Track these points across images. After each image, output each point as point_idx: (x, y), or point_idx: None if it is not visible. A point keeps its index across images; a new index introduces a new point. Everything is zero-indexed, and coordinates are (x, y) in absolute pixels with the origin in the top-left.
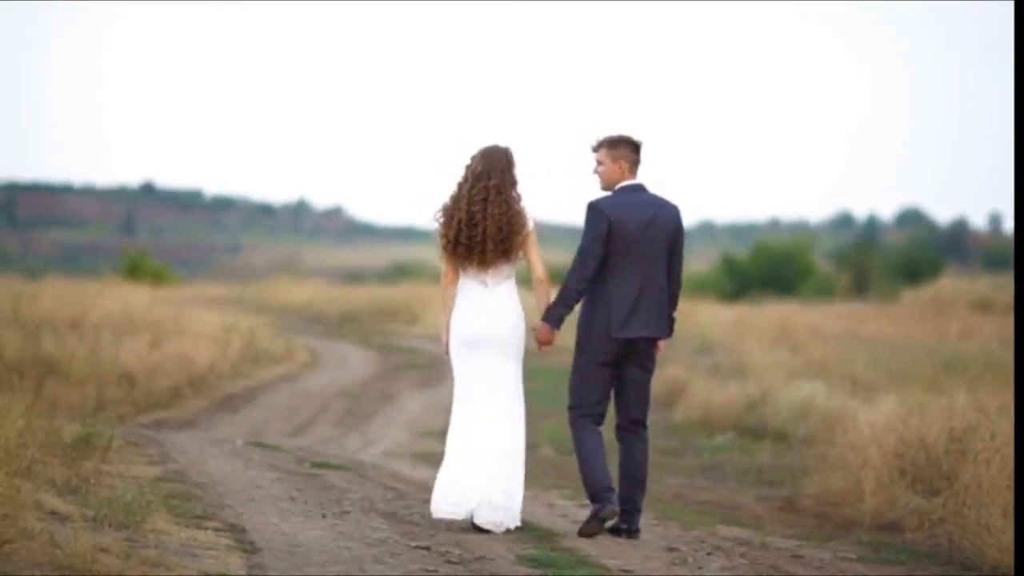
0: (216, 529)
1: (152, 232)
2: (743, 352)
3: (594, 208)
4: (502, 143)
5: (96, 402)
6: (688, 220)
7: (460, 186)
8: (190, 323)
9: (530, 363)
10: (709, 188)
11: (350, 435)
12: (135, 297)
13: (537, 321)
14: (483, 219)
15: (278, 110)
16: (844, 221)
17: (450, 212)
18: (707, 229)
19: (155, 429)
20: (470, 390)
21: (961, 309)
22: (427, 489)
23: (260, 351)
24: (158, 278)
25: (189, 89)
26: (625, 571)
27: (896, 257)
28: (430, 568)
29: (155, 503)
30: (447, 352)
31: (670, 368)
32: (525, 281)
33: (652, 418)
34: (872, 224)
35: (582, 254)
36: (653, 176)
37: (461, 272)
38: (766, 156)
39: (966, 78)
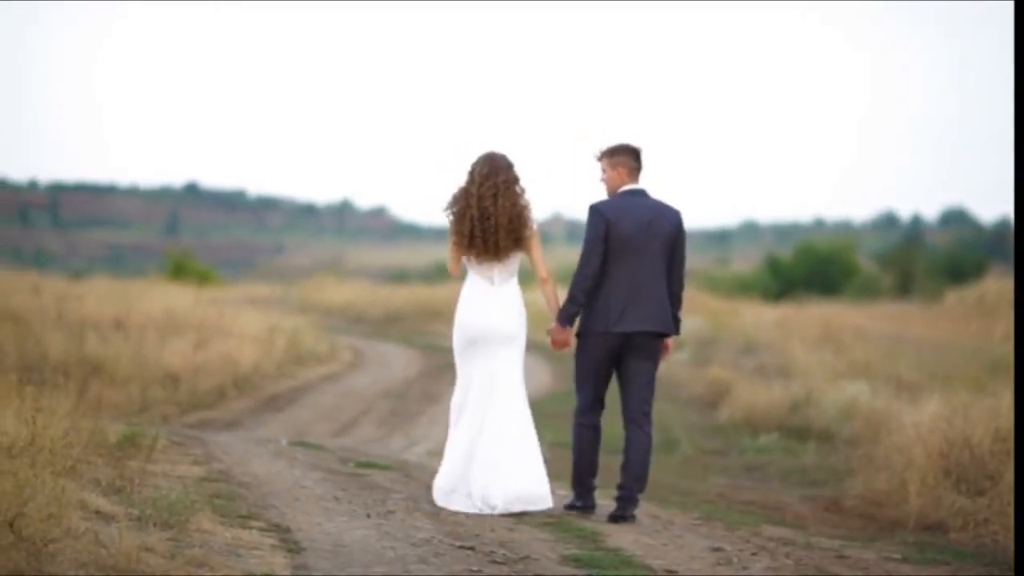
0: (261, 529)
1: (196, 232)
2: (787, 352)
3: (594, 210)
4: (499, 150)
5: (141, 402)
6: (732, 220)
7: (467, 188)
8: (234, 323)
9: (574, 365)
10: (753, 188)
11: (394, 435)
12: (179, 297)
13: (549, 321)
14: (495, 211)
15: (322, 111)
16: (888, 221)
17: (461, 211)
18: (751, 229)
19: (199, 429)
20: (474, 383)
21: (1006, 309)
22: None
23: (304, 351)
24: (202, 278)
25: (234, 89)
26: (669, 571)
27: (940, 257)
28: (474, 568)
29: (200, 503)
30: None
31: (714, 369)
32: (525, 279)
33: (695, 418)
34: (916, 224)
35: (584, 253)
36: (697, 176)
37: (469, 268)
38: (810, 156)
39: (1011, 76)
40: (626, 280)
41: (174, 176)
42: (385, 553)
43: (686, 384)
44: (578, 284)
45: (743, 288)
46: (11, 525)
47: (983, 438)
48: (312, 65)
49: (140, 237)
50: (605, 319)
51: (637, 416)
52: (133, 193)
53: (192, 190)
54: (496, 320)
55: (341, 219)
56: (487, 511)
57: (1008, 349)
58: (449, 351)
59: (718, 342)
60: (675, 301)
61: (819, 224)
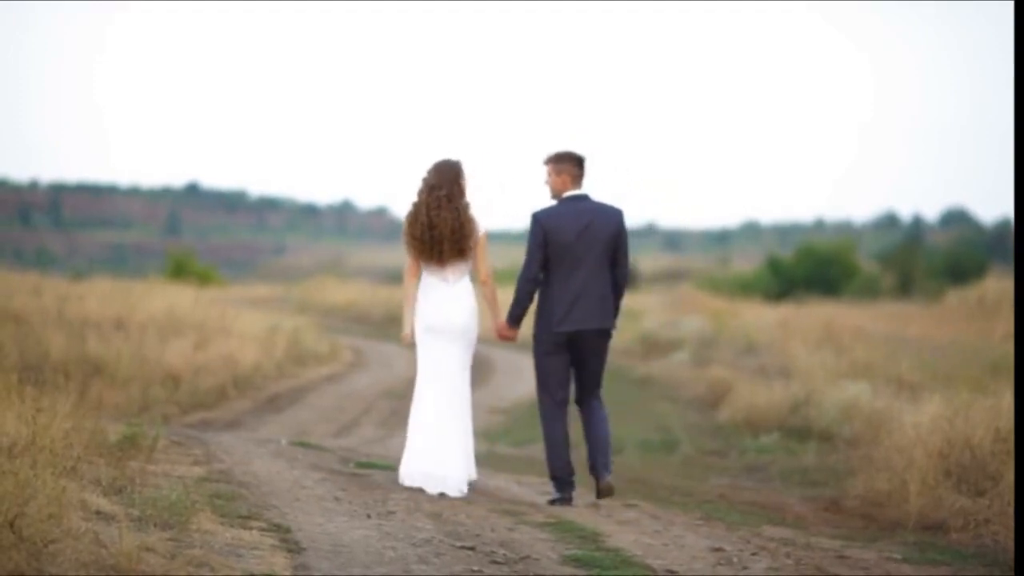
0: (261, 529)
1: (197, 233)
2: (788, 353)
3: (533, 218)
4: (453, 157)
5: (141, 402)
6: (733, 220)
7: (420, 194)
8: (235, 323)
9: None
10: (754, 189)
11: (395, 436)
12: (180, 297)
13: (489, 318)
14: (439, 223)
15: (323, 111)
16: (889, 221)
17: (414, 216)
18: (752, 230)
19: (200, 429)
20: (432, 372)
21: (1007, 309)
22: (472, 489)
23: (305, 351)
24: (203, 278)
25: (234, 90)
26: (670, 571)
27: (941, 257)
28: (475, 568)
29: (200, 503)
30: (411, 339)
31: (715, 369)
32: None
33: (696, 418)
34: (917, 224)
35: (526, 260)
36: (699, 176)
37: (424, 269)
38: (811, 156)
39: (1011, 76)
40: (568, 282)
41: (175, 176)
42: (386, 553)
43: (687, 384)
44: (521, 288)
45: (744, 288)
46: (12, 525)
47: (984, 438)
48: (312, 65)
49: (141, 237)
50: (551, 320)
51: (589, 400)
52: (134, 193)
53: (193, 190)
54: (451, 316)
55: (342, 219)
56: (441, 491)
57: (1009, 349)
58: None
59: (719, 342)
60: (618, 291)
61: (820, 224)
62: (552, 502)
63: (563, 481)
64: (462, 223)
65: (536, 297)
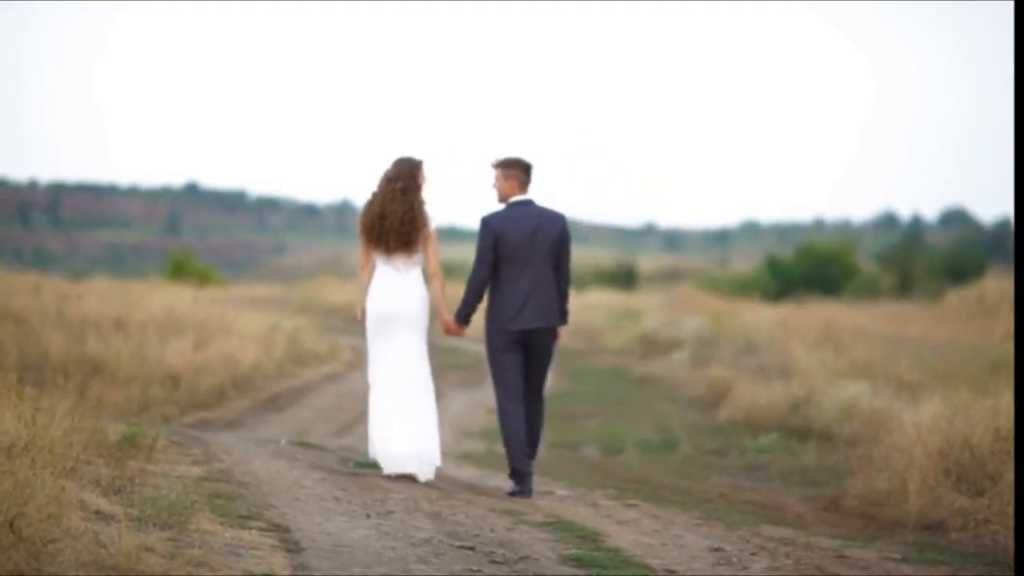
0: (260, 529)
1: (197, 232)
2: (788, 352)
3: (483, 222)
4: (416, 156)
5: (141, 402)
6: (732, 220)
7: (379, 185)
8: (235, 323)
9: (575, 365)
10: (753, 188)
11: None
12: (180, 297)
13: (438, 312)
14: (389, 214)
15: (323, 111)
16: (888, 221)
17: (369, 205)
18: (751, 229)
19: (199, 429)
20: (384, 358)
21: (1006, 309)
22: (472, 489)
23: (304, 351)
24: (203, 278)
25: (234, 89)
26: (669, 571)
27: (941, 257)
28: (474, 568)
29: (200, 503)
30: (363, 322)
31: (715, 368)
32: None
33: (696, 418)
34: (916, 224)
35: (475, 262)
36: (698, 176)
37: (376, 258)
38: (811, 156)
39: (1011, 76)
40: (518, 284)
41: (175, 176)
42: (385, 553)
43: (686, 384)
44: (471, 289)
45: (743, 288)
46: (11, 525)
47: (983, 438)
48: (312, 65)
49: (141, 237)
50: (502, 319)
51: (531, 397)
52: (133, 193)
53: (192, 190)
54: (401, 304)
55: (342, 219)
56: (395, 471)
57: (1008, 348)
58: (448, 351)
59: (718, 342)
60: (562, 296)
61: (819, 224)
62: (511, 494)
63: (523, 474)
64: (412, 217)
65: (486, 298)
